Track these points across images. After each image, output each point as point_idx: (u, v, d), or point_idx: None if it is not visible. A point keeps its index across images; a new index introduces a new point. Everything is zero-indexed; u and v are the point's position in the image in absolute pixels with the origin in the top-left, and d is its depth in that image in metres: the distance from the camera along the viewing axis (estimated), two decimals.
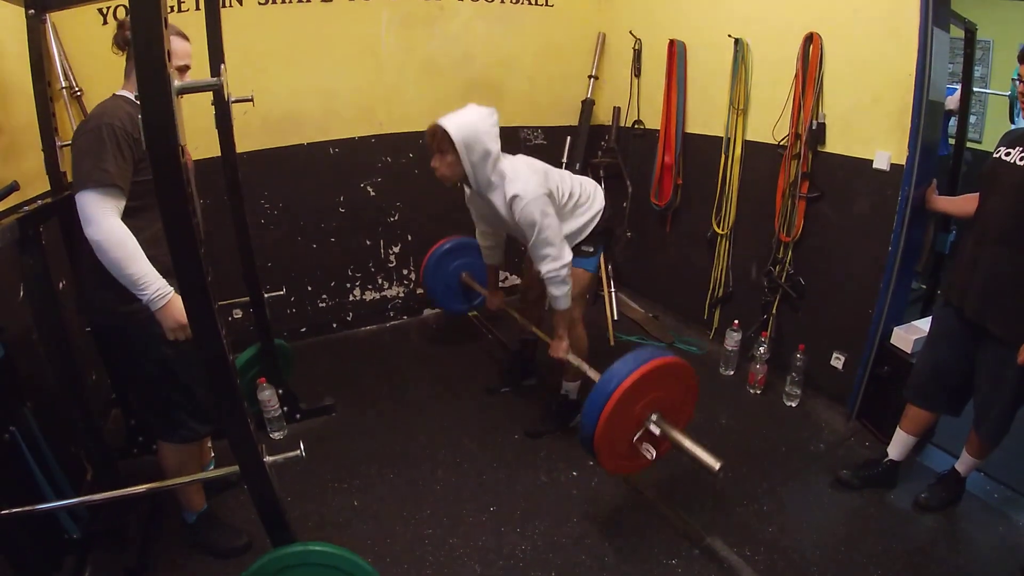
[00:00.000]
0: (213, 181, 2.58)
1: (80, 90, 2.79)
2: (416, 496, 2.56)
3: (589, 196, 2.68)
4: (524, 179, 2.38)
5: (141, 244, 1.71)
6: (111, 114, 1.72)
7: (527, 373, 3.34)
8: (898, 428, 2.49)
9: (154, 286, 1.71)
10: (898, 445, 2.50)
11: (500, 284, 3.79)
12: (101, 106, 1.78)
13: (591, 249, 2.70)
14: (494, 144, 2.35)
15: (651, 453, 2.12)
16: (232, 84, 2.41)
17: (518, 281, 4.50)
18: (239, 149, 2.55)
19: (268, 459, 1.51)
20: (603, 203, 2.72)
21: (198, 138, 2.89)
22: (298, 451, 1.60)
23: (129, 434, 2.69)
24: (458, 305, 3.62)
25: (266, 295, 2.79)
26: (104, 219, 1.65)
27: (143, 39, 1.03)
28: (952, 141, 3.83)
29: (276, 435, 2.89)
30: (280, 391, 2.90)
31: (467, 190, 2.61)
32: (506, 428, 2.99)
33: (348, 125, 3.62)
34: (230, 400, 1.35)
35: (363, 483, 2.63)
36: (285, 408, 2.93)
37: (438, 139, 2.33)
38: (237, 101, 2.42)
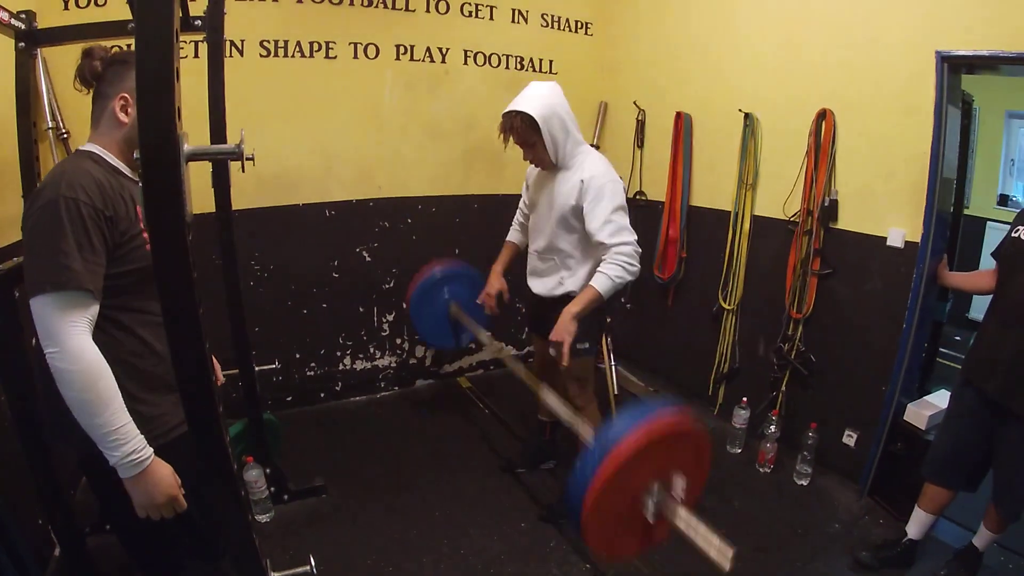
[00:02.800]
0: (200, 238, 2.40)
1: (67, 132, 2.64)
2: None
3: None
4: (604, 165, 2.38)
5: (126, 357, 1.37)
6: (72, 183, 1.28)
7: (545, 456, 3.13)
8: (916, 507, 2.44)
9: (127, 447, 1.27)
10: (917, 524, 2.44)
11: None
12: (59, 168, 1.35)
13: (587, 345, 2.54)
14: (568, 116, 2.33)
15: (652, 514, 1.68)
16: (231, 139, 2.28)
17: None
18: (232, 207, 2.39)
19: None
20: None
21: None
22: (308, 567, 1.39)
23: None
24: (445, 340, 3.23)
25: (256, 368, 2.60)
26: (70, 339, 1.23)
27: (149, 90, 0.85)
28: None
29: (262, 518, 2.65)
30: (268, 470, 2.67)
31: (532, 174, 2.60)
32: (513, 515, 2.80)
33: (346, 187, 3.51)
34: (237, 524, 1.16)
35: None
36: (272, 488, 2.70)
37: (522, 130, 2.29)
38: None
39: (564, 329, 2.29)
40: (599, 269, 2.31)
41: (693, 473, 1.76)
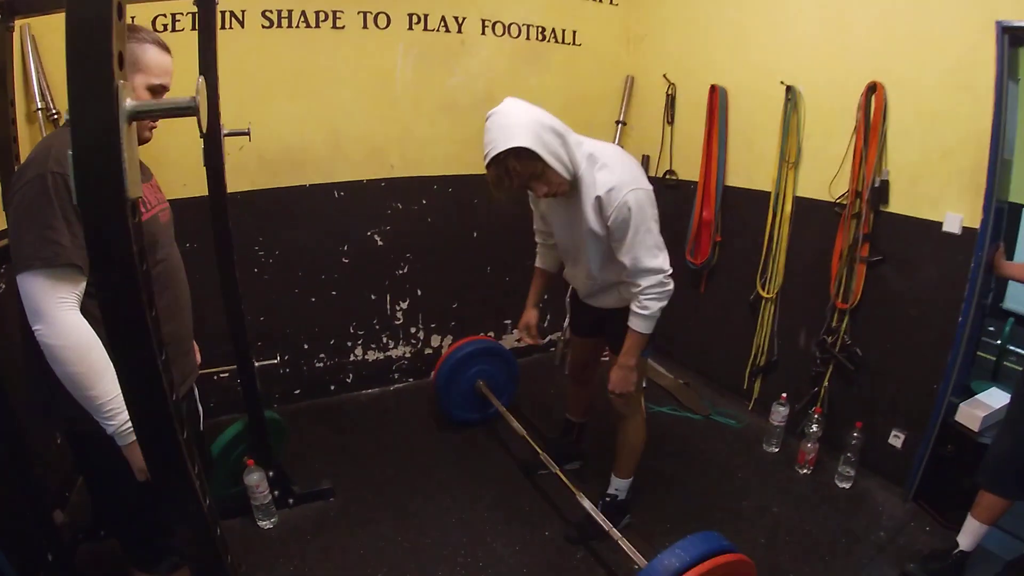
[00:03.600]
0: (203, 222, 2.22)
1: (58, 113, 2.46)
2: None
3: None
4: (621, 167, 2.01)
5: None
6: (60, 157, 1.26)
7: (570, 456, 2.94)
8: (969, 516, 2.29)
9: (123, 414, 1.31)
10: (969, 535, 2.30)
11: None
12: (46, 142, 1.34)
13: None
14: (554, 120, 1.92)
15: None
16: (229, 115, 2.11)
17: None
18: (232, 188, 2.23)
19: None
20: None
21: (187, 174, 2.54)
22: None
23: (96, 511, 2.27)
24: (469, 414, 3.27)
25: (256, 363, 2.42)
26: (59, 315, 1.25)
27: (80, 23, 0.64)
28: None
29: (265, 524, 2.49)
30: (270, 473, 2.50)
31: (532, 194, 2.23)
32: (536, 523, 2.61)
33: (356, 166, 3.31)
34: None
35: None
36: (276, 492, 2.53)
37: (523, 169, 1.88)
38: (231, 134, 2.13)
39: (626, 380, 2.25)
40: (633, 308, 2.14)
41: None
